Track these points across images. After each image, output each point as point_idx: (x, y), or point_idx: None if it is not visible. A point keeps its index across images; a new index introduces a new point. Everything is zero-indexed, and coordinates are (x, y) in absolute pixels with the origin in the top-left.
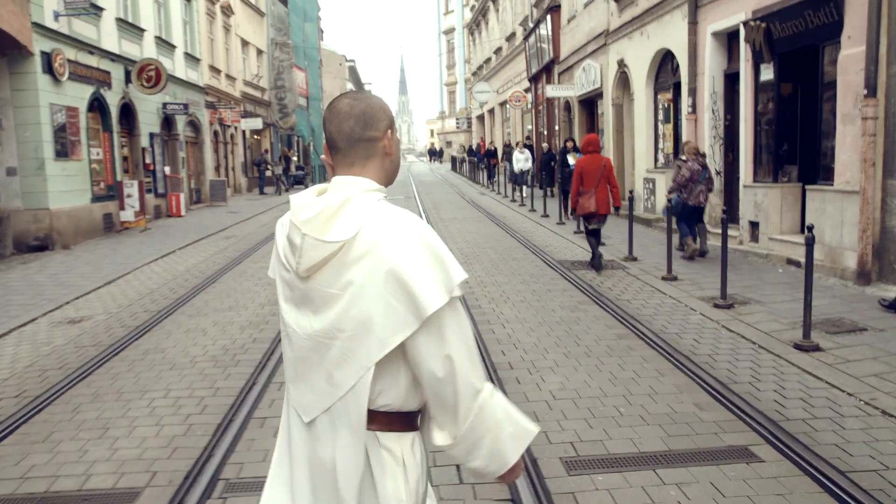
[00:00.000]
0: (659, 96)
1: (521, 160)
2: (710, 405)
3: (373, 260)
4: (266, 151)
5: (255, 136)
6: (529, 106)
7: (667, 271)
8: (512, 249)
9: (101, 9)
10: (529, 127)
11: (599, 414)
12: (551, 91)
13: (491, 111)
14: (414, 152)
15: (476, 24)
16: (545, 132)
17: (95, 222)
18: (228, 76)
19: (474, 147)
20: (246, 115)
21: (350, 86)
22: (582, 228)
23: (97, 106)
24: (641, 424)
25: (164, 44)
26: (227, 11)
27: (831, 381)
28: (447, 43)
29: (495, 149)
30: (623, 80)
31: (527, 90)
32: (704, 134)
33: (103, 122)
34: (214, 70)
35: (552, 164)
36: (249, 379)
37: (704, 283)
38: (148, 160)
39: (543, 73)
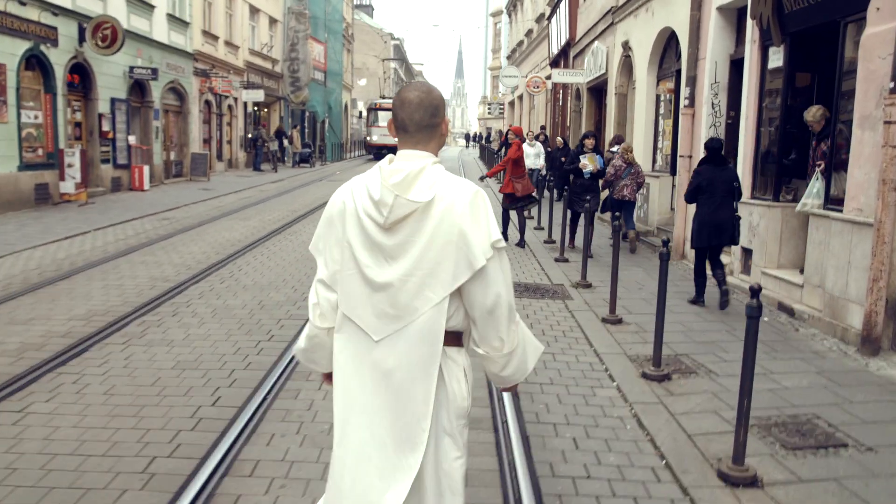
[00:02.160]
0: (660, 85)
1: (531, 155)
2: None
3: (446, 218)
4: (262, 126)
5: (264, 110)
6: (549, 93)
7: (609, 310)
8: None
9: None
10: (550, 118)
11: None
12: (558, 76)
13: (521, 98)
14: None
15: (513, 5)
16: (559, 123)
17: (23, 193)
18: (229, 43)
19: (502, 135)
20: (249, 86)
21: (394, 64)
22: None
23: (36, 64)
24: None
25: (138, 2)
26: None
27: None
28: (494, 26)
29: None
30: (627, 65)
31: (548, 77)
32: (701, 133)
33: (45, 82)
34: (210, 36)
35: (562, 163)
36: None
37: (653, 333)
38: (106, 127)
39: (561, 57)
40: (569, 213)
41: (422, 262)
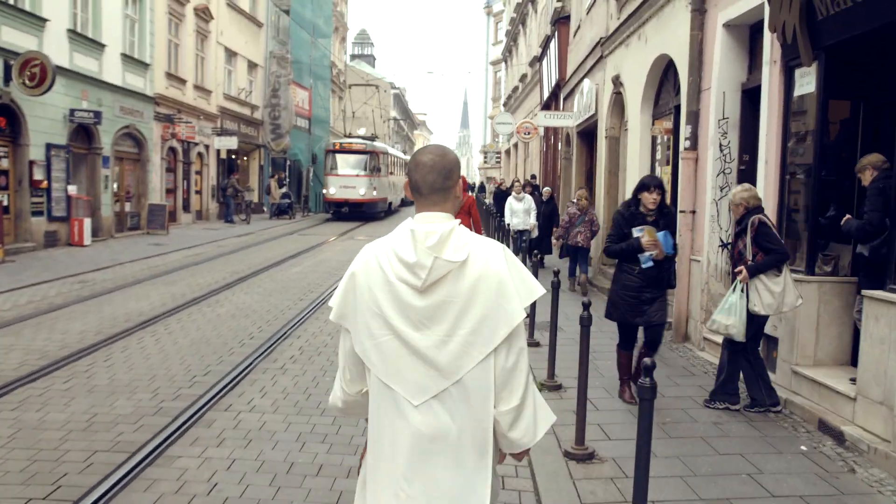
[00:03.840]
0: (656, 125)
1: (519, 212)
2: None
3: (484, 276)
4: (234, 175)
5: (243, 158)
6: (542, 139)
7: (575, 441)
8: None
9: None
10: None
11: None
12: (544, 119)
13: (516, 146)
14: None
15: (508, 51)
16: (551, 172)
17: None
18: (200, 88)
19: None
20: (224, 133)
21: (394, 113)
22: None
23: None
24: None
25: (84, 40)
26: (204, 15)
27: None
28: (494, 74)
29: (508, 189)
30: (619, 104)
31: None
32: (707, 182)
33: None
34: (175, 79)
35: (552, 223)
36: None
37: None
38: (39, 176)
39: (552, 99)
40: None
41: (462, 321)
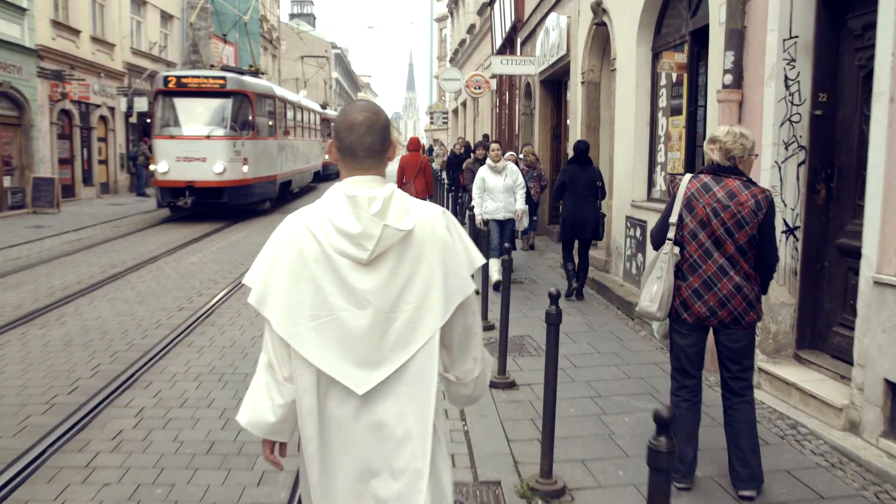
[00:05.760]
0: (663, 60)
1: (498, 191)
2: None
3: (428, 244)
4: (145, 142)
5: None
6: (494, 94)
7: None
8: None
9: None
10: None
11: None
12: (500, 66)
13: (464, 104)
14: None
15: (454, 2)
16: (507, 131)
17: None
18: (99, 40)
19: (451, 149)
20: (135, 93)
21: (336, 75)
22: None
23: None
24: None
25: None
26: None
27: None
28: (440, 32)
29: (463, 152)
30: (601, 38)
31: (493, 76)
32: (763, 132)
33: None
34: (66, 28)
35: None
36: None
37: None
38: None
39: (507, 46)
40: None
41: (409, 295)
